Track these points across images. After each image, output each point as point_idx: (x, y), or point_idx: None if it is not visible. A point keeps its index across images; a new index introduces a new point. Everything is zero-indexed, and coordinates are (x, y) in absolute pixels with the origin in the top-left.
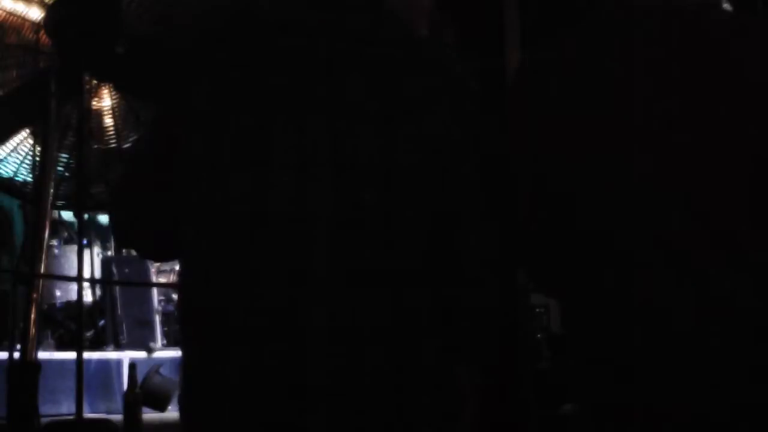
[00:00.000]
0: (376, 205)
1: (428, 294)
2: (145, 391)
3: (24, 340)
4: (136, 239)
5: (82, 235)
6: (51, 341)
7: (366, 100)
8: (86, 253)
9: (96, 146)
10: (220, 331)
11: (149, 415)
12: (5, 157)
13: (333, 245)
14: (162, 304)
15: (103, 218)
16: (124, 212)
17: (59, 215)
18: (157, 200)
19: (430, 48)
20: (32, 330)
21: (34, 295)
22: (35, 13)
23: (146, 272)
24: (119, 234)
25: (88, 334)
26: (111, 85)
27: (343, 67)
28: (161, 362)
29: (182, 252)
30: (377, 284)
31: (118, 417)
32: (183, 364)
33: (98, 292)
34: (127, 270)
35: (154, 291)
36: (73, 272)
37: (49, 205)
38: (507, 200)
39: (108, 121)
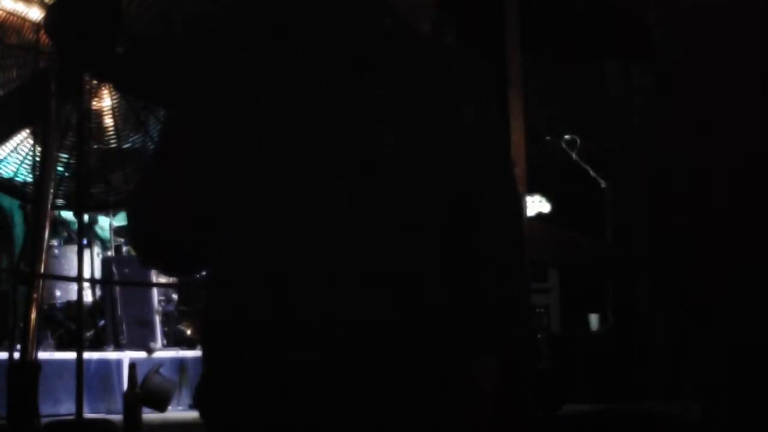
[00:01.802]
0: (394, 206)
1: (441, 294)
2: (145, 391)
3: (24, 340)
4: (157, 247)
5: (82, 235)
6: (51, 341)
7: (386, 101)
8: (86, 253)
9: (96, 146)
10: (233, 333)
11: (149, 415)
12: (5, 157)
13: (348, 246)
14: (162, 304)
15: (102, 223)
16: (145, 218)
17: (59, 215)
18: (178, 204)
19: (450, 49)
20: (32, 330)
21: (35, 295)
22: (35, 14)
23: (146, 272)
24: (139, 241)
25: (88, 334)
26: (111, 85)
27: (364, 69)
28: (161, 362)
29: (204, 259)
30: (390, 284)
31: (118, 417)
32: (203, 365)
33: (98, 292)
34: (127, 270)
35: (154, 291)
36: (73, 272)
37: (49, 205)
38: (516, 200)
39: (108, 121)
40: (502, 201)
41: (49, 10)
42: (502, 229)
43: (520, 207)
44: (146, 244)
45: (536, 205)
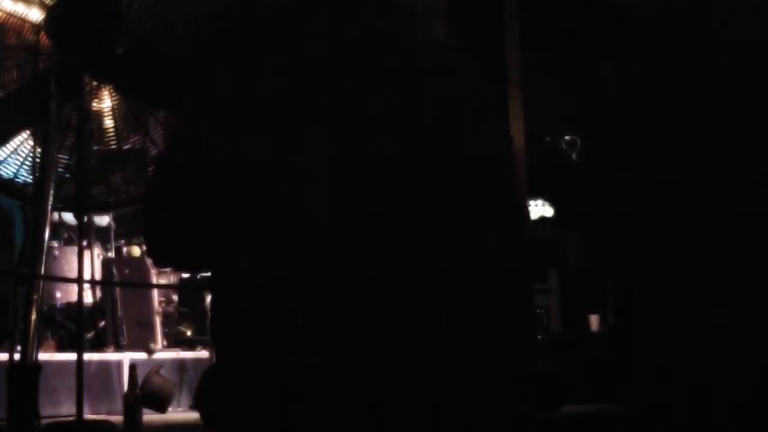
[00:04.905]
0: (396, 210)
1: (443, 296)
2: (145, 392)
3: (24, 341)
4: (174, 247)
5: (83, 236)
6: (51, 342)
7: (384, 109)
8: (86, 254)
9: (96, 147)
10: (235, 334)
11: (149, 416)
12: (6, 159)
13: (347, 248)
14: (162, 305)
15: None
16: (156, 218)
17: (59, 216)
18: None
19: (451, 55)
20: (32, 331)
21: (35, 297)
22: (35, 15)
23: (146, 273)
24: (157, 244)
25: (89, 335)
26: (111, 86)
27: (363, 74)
28: (161, 363)
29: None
30: (389, 283)
31: (118, 418)
32: (212, 368)
33: (98, 293)
34: (127, 271)
35: (155, 292)
36: (74, 273)
37: (49, 206)
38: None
39: (108, 122)
40: (499, 210)
41: (50, 11)
42: (505, 239)
43: (521, 213)
44: (158, 241)
45: (539, 209)
